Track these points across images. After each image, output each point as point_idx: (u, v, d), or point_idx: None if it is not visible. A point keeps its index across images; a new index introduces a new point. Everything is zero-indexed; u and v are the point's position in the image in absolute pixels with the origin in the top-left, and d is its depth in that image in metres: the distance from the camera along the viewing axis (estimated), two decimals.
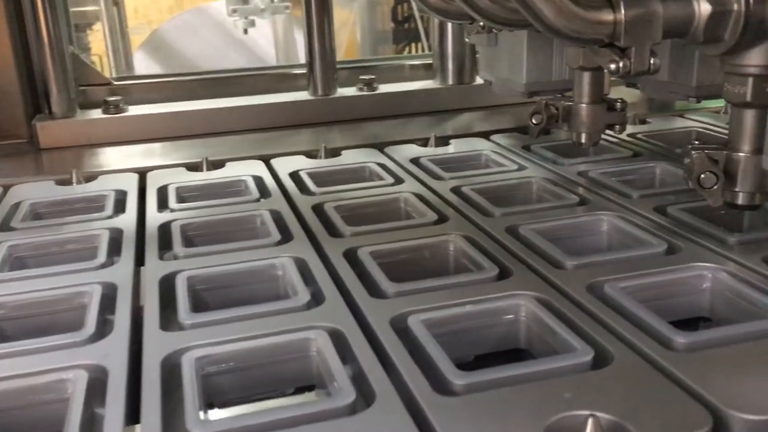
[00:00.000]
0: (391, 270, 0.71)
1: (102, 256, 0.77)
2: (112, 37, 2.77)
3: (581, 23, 0.64)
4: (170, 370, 0.56)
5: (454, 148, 1.18)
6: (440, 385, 0.53)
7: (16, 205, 0.96)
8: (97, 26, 2.71)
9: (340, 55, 3.15)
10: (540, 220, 0.82)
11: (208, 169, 1.09)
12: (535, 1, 0.63)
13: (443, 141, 1.20)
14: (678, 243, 0.74)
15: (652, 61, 0.66)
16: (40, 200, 0.98)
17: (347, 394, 0.51)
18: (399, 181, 1.01)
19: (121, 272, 0.74)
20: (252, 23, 2.94)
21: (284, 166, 1.09)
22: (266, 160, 1.13)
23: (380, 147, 1.19)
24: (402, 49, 3.51)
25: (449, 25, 1.45)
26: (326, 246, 0.78)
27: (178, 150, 1.24)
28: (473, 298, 0.65)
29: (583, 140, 0.95)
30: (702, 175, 0.71)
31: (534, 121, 0.96)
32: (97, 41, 2.77)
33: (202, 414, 0.51)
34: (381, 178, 1.02)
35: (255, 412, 0.54)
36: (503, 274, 0.70)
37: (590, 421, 0.46)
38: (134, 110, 1.34)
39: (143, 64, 3.07)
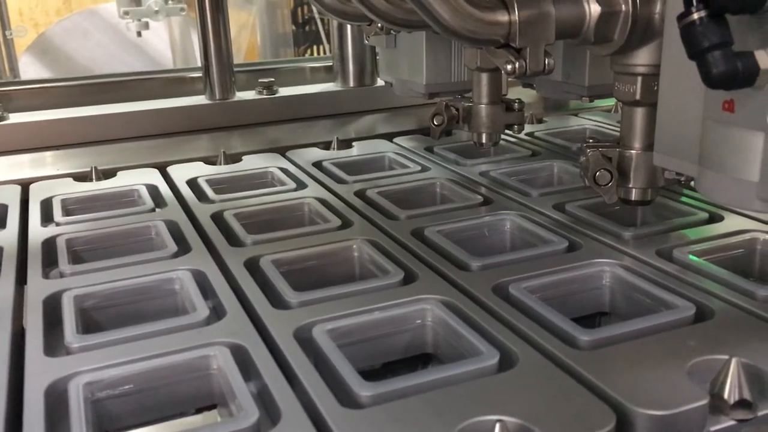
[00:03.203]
0: (294, 278, 0.69)
1: None
2: None
3: (477, 24, 0.64)
4: (56, 399, 0.52)
5: (357, 150, 1.17)
6: (347, 398, 0.51)
7: None
8: None
9: (241, 58, 3.08)
10: (445, 222, 0.82)
11: (98, 179, 1.03)
12: (431, 2, 0.63)
13: (346, 144, 1.19)
14: (578, 240, 0.75)
15: (546, 62, 0.67)
16: None
17: (250, 413, 0.49)
18: (302, 185, 0.99)
19: (1, 293, 0.68)
20: (146, 25, 2.83)
21: (181, 173, 1.04)
22: (161, 168, 1.08)
23: (282, 151, 1.16)
24: (304, 52, 3.47)
25: (348, 27, 1.43)
26: (226, 256, 0.75)
27: (64, 159, 1.17)
28: (379, 304, 0.64)
29: (483, 140, 0.96)
30: (597, 173, 0.72)
31: (435, 122, 0.97)
32: None
33: None
34: (283, 184, 1.00)
35: None
36: (409, 278, 0.69)
37: (498, 427, 0.45)
38: (16, 118, 1.25)
39: (30, 69, 2.90)
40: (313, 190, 0.96)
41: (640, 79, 0.69)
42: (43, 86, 1.42)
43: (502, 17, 0.65)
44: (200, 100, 1.37)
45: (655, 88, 0.67)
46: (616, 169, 0.73)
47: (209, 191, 0.96)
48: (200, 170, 1.06)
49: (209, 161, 1.11)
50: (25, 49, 3.04)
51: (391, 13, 0.77)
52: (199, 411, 0.59)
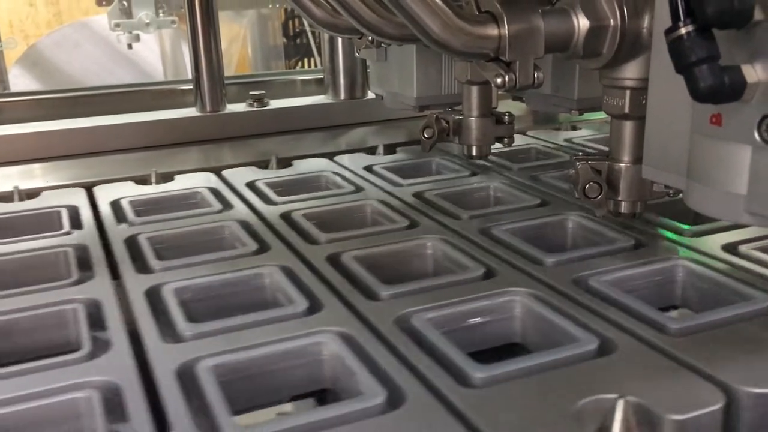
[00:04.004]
0: (375, 274, 0.72)
1: (74, 273, 0.74)
2: None
3: (467, 38, 0.65)
4: (185, 381, 0.55)
5: (402, 156, 1.20)
6: (462, 380, 0.54)
7: None
8: None
9: (232, 71, 3.07)
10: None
11: (158, 182, 1.06)
12: (422, 15, 0.63)
13: (391, 149, 1.22)
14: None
15: (536, 75, 0.68)
16: None
17: (378, 393, 0.52)
18: (358, 188, 1.02)
19: (100, 287, 0.71)
20: (137, 38, 2.84)
21: (239, 177, 1.08)
22: (217, 171, 1.11)
23: (330, 156, 1.19)
24: (294, 65, 3.49)
25: (339, 40, 1.43)
26: (307, 253, 0.78)
27: (53, 172, 1.16)
28: (464, 297, 0.66)
29: (473, 153, 0.96)
30: (586, 186, 0.73)
31: (426, 135, 0.96)
32: None
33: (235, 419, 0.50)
34: (339, 187, 1.03)
35: (292, 414, 0.53)
36: (489, 273, 0.72)
37: (620, 403, 0.48)
38: (5, 130, 1.25)
39: (20, 81, 2.90)
40: (370, 193, 0.99)
41: (628, 92, 0.69)
42: (33, 98, 1.42)
43: (492, 31, 0.66)
44: (191, 112, 1.36)
45: (644, 101, 0.67)
46: (606, 182, 0.73)
47: (270, 193, 0.99)
48: (256, 174, 1.09)
49: (260, 166, 1.14)
50: (15, 61, 3.04)
51: (382, 26, 0.78)
52: (306, 396, 0.61)
